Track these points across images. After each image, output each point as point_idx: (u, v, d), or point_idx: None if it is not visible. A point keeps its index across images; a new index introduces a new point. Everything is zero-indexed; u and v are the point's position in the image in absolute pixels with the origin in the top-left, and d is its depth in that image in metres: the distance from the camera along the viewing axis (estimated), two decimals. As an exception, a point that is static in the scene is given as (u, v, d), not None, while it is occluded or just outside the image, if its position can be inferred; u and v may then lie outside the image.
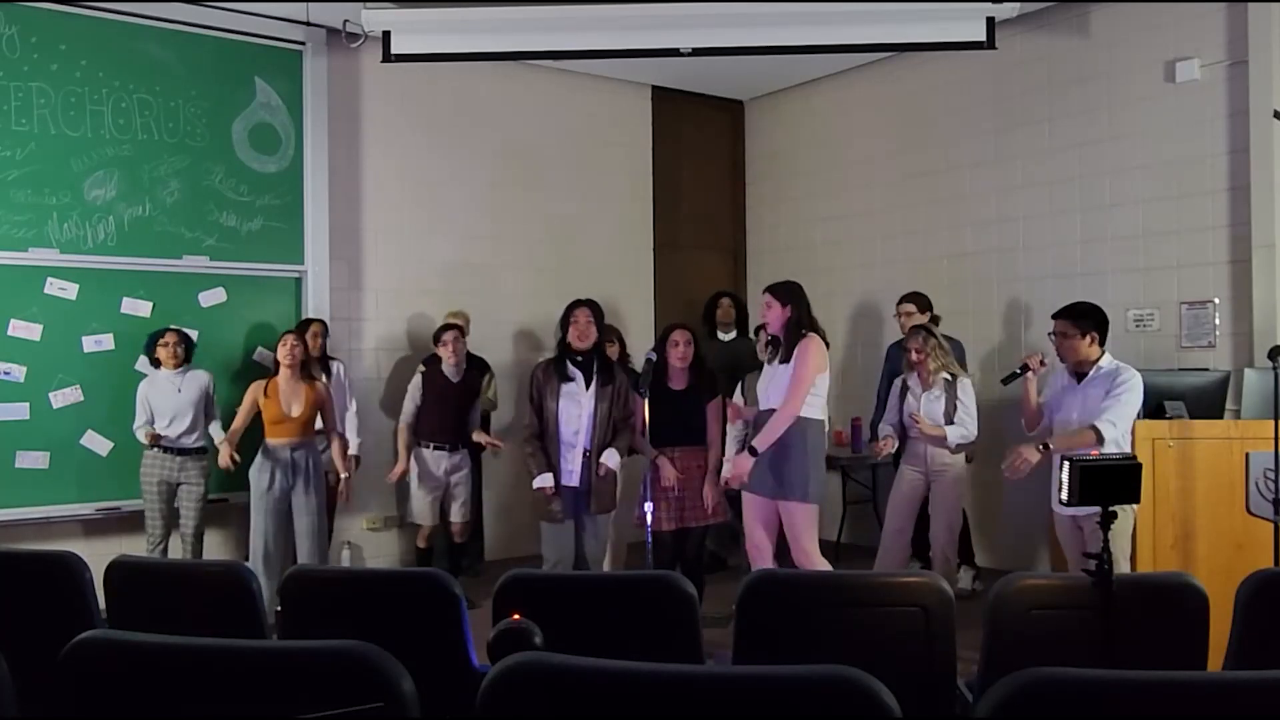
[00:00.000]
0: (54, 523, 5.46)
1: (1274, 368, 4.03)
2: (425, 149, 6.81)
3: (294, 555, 5.27)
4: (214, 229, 5.92)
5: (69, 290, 5.50)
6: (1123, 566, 3.89)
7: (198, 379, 5.37)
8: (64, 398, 5.47)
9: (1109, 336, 4.17)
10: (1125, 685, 1.60)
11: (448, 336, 5.65)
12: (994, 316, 6.47)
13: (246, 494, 5.27)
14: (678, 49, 5.65)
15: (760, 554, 4.50)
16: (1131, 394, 3.95)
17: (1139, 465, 2.59)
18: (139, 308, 5.68)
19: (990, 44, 5.54)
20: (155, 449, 5.24)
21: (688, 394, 4.92)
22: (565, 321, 4.80)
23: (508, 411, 6.79)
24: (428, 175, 6.82)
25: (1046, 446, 4.00)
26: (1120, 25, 5.89)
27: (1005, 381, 4.45)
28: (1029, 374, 4.32)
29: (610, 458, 4.73)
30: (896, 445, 5.04)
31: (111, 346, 5.59)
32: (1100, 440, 3.86)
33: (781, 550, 4.58)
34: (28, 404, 5.38)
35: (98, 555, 3.08)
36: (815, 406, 4.39)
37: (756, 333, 5.39)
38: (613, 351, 5.43)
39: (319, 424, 5.34)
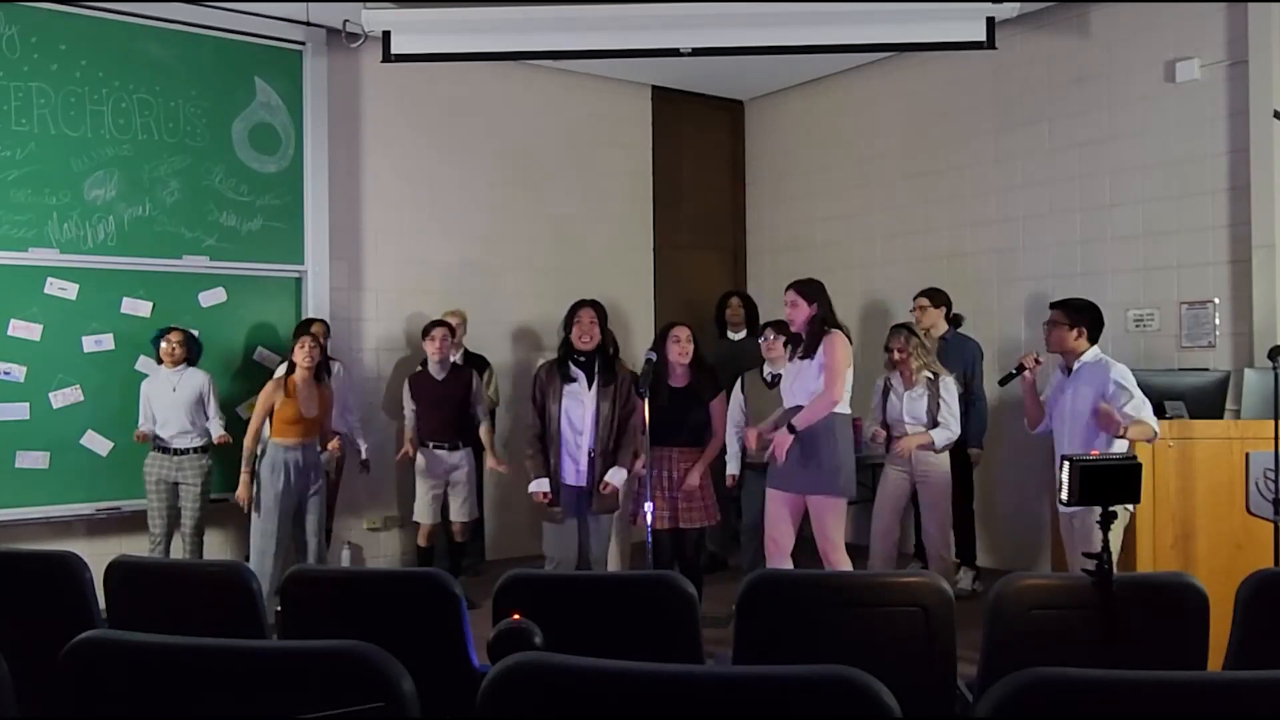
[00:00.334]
0: (54, 523, 5.46)
1: (1274, 368, 4.03)
2: (425, 149, 6.81)
3: (303, 553, 5.27)
4: (214, 229, 5.92)
5: (69, 290, 5.50)
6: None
7: (194, 379, 5.37)
8: (64, 398, 5.47)
9: (1105, 336, 4.18)
10: (1125, 685, 1.60)
11: (435, 332, 5.64)
12: (994, 316, 6.47)
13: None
14: (678, 49, 5.65)
15: (779, 550, 4.49)
16: (1137, 389, 3.98)
17: (1139, 465, 2.59)
18: (139, 308, 5.68)
19: (990, 44, 5.54)
20: (156, 449, 5.26)
21: (688, 391, 4.91)
22: (569, 321, 4.80)
23: (504, 410, 6.79)
24: (428, 175, 6.82)
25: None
26: (1120, 25, 5.89)
27: (1002, 383, 4.47)
28: (1025, 373, 4.33)
29: (615, 475, 4.74)
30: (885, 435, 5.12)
31: (111, 346, 5.59)
32: (1153, 430, 3.95)
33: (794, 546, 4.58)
34: (28, 404, 5.38)
35: (98, 555, 3.08)
36: (842, 402, 4.42)
37: (762, 330, 5.38)
38: None
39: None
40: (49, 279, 5.45)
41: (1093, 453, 3.60)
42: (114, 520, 5.59)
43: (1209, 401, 4.66)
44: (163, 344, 5.30)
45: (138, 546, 5.23)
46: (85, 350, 5.53)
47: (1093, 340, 4.14)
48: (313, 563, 5.22)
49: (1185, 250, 5.61)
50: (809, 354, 4.41)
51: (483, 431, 5.69)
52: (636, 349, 6.74)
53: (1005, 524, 6.31)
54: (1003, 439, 6.15)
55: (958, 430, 5.12)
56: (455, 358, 5.89)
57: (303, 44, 6.18)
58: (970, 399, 5.71)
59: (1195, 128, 5.55)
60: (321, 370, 5.37)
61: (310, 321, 5.81)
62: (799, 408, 4.39)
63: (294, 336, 5.45)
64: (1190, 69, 5.53)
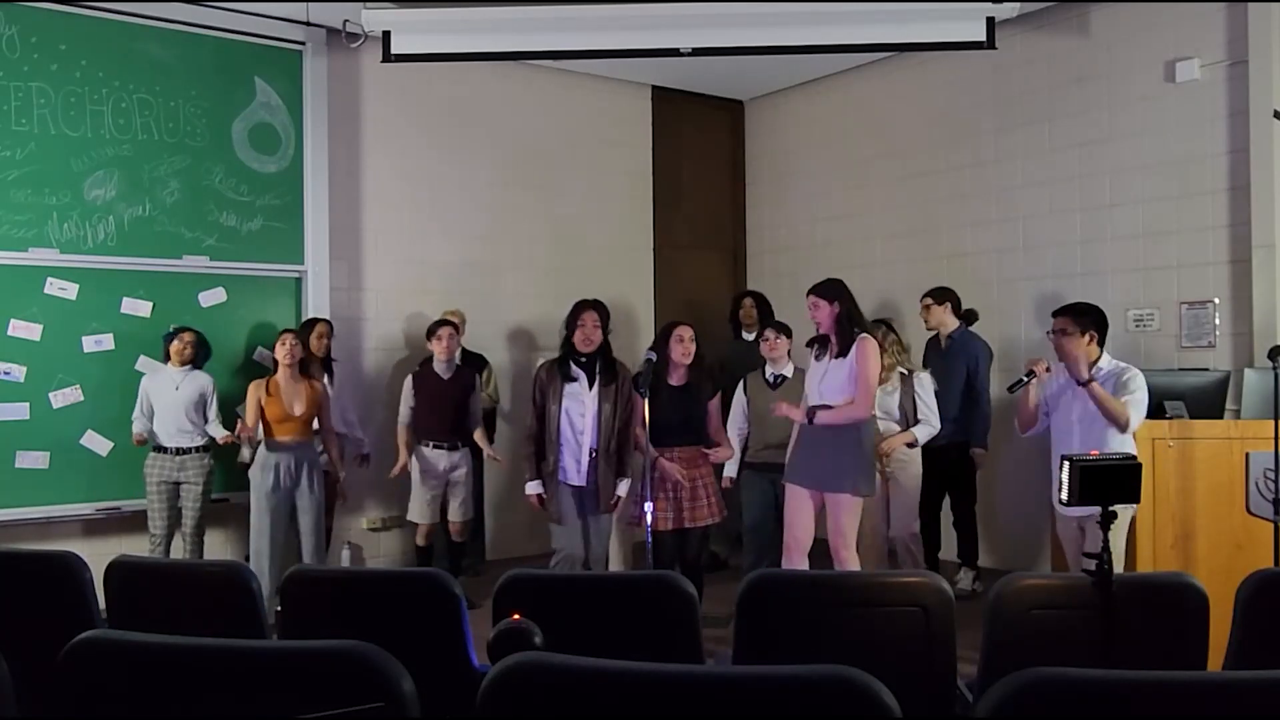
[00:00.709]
0: (54, 523, 5.46)
1: (1274, 368, 4.03)
2: (425, 149, 6.81)
3: (297, 554, 5.27)
4: (214, 229, 5.92)
5: (69, 290, 5.50)
6: (1117, 566, 3.89)
7: (198, 380, 5.38)
8: (64, 398, 5.47)
9: (1109, 337, 4.17)
10: (1125, 685, 1.60)
11: (442, 332, 5.65)
12: (994, 316, 6.46)
13: (247, 494, 5.28)
14: (678, 49, 5.65)
15: (798, 546, 4.50)
16: (1143, 393, 3.97)
17: (1139, 465, 2.59)
18: (139, 308, 5.68)
19: (990, 44, 5.54)
20: (156, 450, 5.26)
21: (688, 390, 4.91)
22: (571, 322, 4.80)
23: (513, 410, 6.79)
24: (428, 175, 6.82)
25: None
26: (1120, 25, 5.89)
27: (1011, 390, 4.36)
28: (1033, 380, 4.26)
29: (623, 487, 4.81)
30: None
31: (111, 346, 5.59)
32: (1125, 426, 3.94)
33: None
34: (28, 404, 5.38)
35: (98, 555, 3.08)
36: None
37: (762, 331, 5.37)
38: None
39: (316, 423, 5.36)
40: (49, 279, 5.45)
41: (1092, 453, 3.60)
42: (114, 520, 5.59)
43: (1209, 401, 4.66)
44: (175, 342, 5.31)
45: (138, 546, 5.23)
46: (85, 350, 5.53)
47: (1102, 343, 4.12)
48: (310, 562, 5.23)
49: (1185, 250, 5.61)
50: (843, 353, 4.41)
51: (478, 435, 5.68)
52: (637, 349, 6.74)
53: (1005, 524, 6.31)
54: (1003, 440, 6.15)
55: (938, 424, 5.23)
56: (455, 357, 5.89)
57: (303, 44, 6.18)
58: (974, 397, 5.72)
59: (1195, 128, 5.55)
60: (311, 367, 5.38)
61: (314, 321, 5.81)
62: (827, 406, 4.41)
63: (297, 335, 5.43)
64: (1190, 69, 5.53)
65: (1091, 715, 1.57)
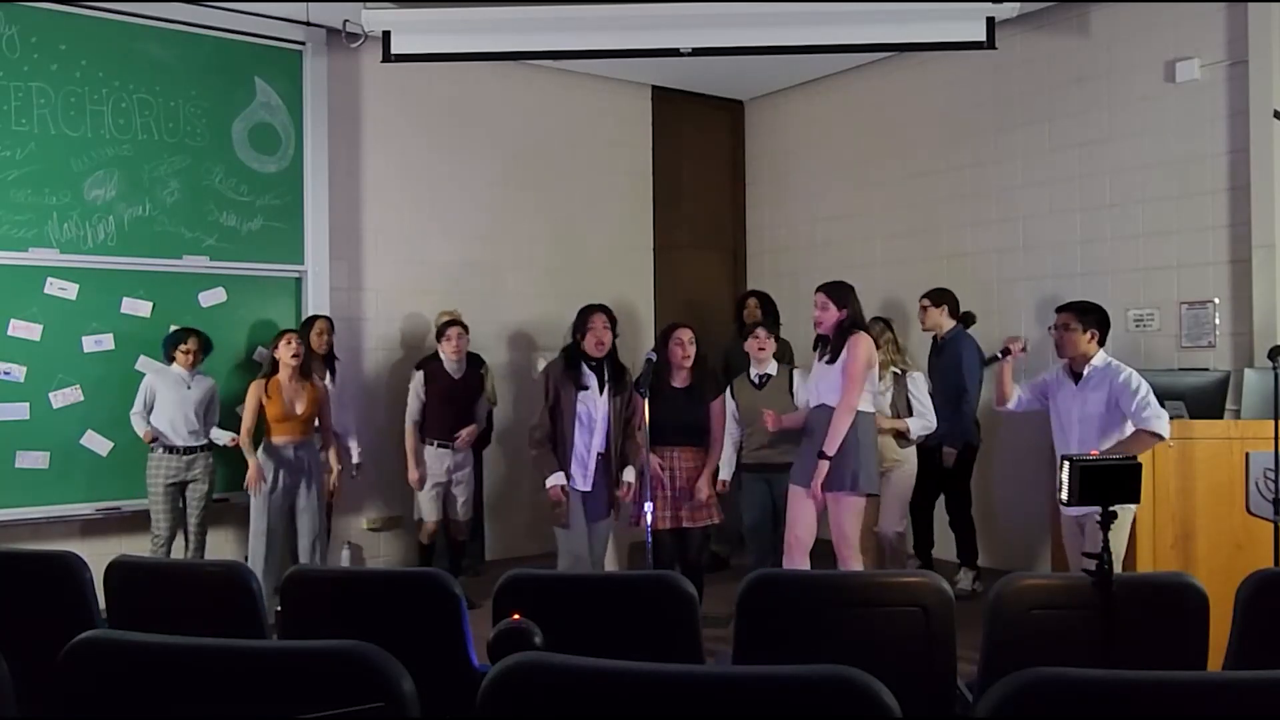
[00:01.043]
0: (54, 523, 5.46)
1: (1274, 368, 4.03)
2: (425, 149, 6.81)
3: (294, 555, 5.27)
4: (214, 229, 5.92)
5: (69, 290, 5.50)
6: (1116, 566, 3.89)
7: (205, 382, 5.41)
8: (64, 398, 5.47)
9: (1109, 337, 4.17)
10: (1125, 685, 1.60)
11: (451, 332, 5.63)
12: (994, 316, 6.46)
13: (247, 494, 5.27)
14: (678, 49, 5.65)
15: (800, 547, 4.50)
16: (1148, 391, 3.95)
17: (1139, 465, 2.59)
18: (139, 308, 5.68)
19: (990, 44, 5.54)
20: (161, 450, 5.25)
21: (689, 392, 4.92)
22: (580, 327, 4.77)
23: (506, 410, 6.79)
24: (428, 175, 6.82)
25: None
26: (1120, 25, 5.89)
27: (986, 363, 4.48)
28: (1009, 358, 4.36)
29: (629, 474, 4.81)
30: None
31: (111, 346, 5.59)
32: (1161, 437, 3.90)
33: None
34: (28, 404, 5.38)
35: (98, 555, 3.07)
36: (865, 400, 4.44)
37: (752, 329, 5.32)
38: None
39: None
40: (49, 279, 5.45)
41: (1092, 453, 3.61)
42: (114, 520, 5.59)
43: (1209, 401, 4.66)
44: (180, 351, 5.30)
45: (138, 546, 5.23)
46: (85, 350, 5.53)
47: (1103, 342, 4.13)
48: (309, 562, 5.22)
49: (1185, 250, 5.61)
50: (835, 358, 4.43)
51: (466, 432, 5.63)
52: (637, 350, 6.74)
53: (1005, 524, 6.31)
54: (1002, 440, 6.16)
55: (933, 421, 5.27)
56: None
57: (303, 44, 6.18)
58: (954, 397, 5.71)
59: (1195, 128, 5.55)
60: (312, 366, 5.37)
61: (314, 319, 5.81)
62: (823, 407, 4.42)
63: (281, 332, 5.40)
64: (1190, 69, 5.53)
65: (1091, 715, 1.57)
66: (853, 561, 4.41)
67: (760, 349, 5.18)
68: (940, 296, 5.91)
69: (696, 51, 5.67)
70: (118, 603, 2.86)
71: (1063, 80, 6.15)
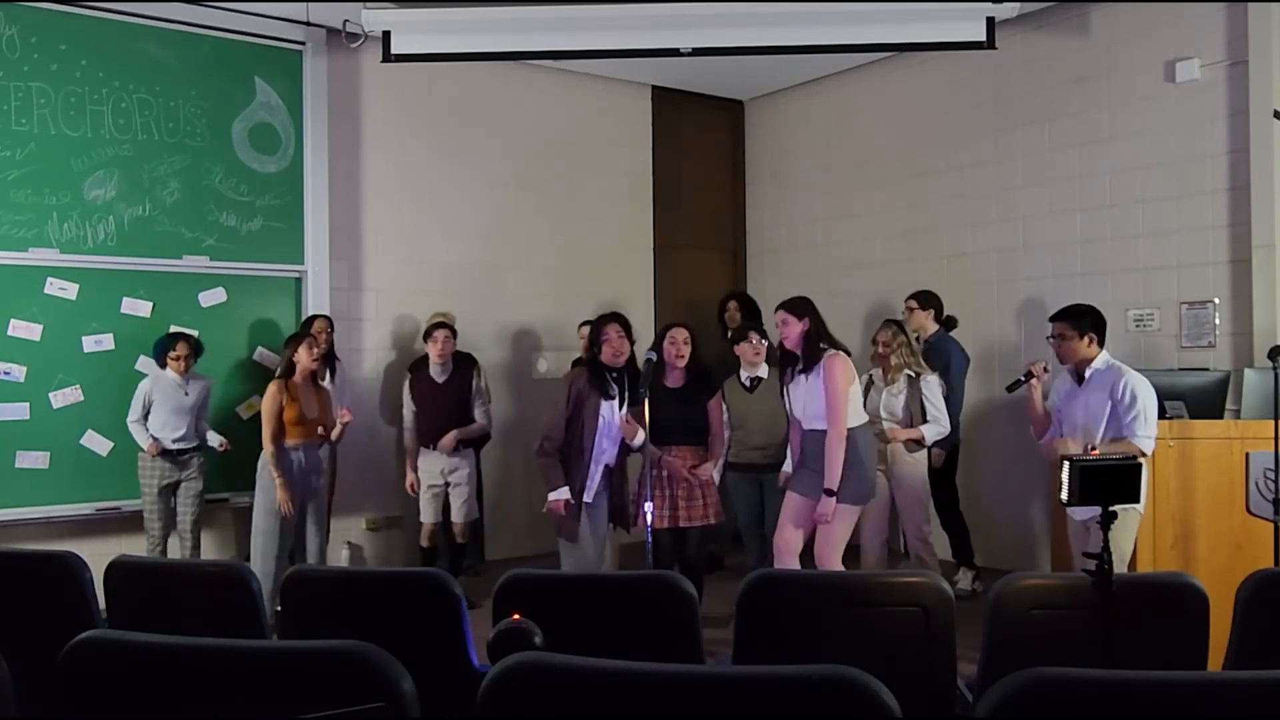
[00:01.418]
0: (54, 523, 5.45)
1: (1274, 368, 4.03)
2: (425, 149, 6.81)
3: (304, 553, 5.26)
4: (214, 229, 5.92)
5: (69, 290, 5.50)
6: (1119, 567, 3.89)
7: (201, 384, 5.42)
8: (64, 398, 5.47)
9: (1108, 336, 4.17)
10: (1125, 685, 1.60)
11: (438, 334, 5.63)
12: (993, 316, 6.46)
13: (246, 494, 5.28)
14: (678, 49, 5.65)
15: (788, 550, 4.50)
16: (1148, 402, 3.94)
17: (1139, 465, 2.59)
18: (139, 308, 5.68)
19: (990, 44, 5.54)
20: (160, 453, 5.26)
21: (685, 392, 4.90)
22: (595, 338, 4.64)
23: (506, 410, 6.79)
24: (428, 175, 6.81)
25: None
26: (1120, 25, 5.89)
27: (1010, 389, 4.40)
28: (1033, 381, 4.26)
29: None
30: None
31: (111, 346, 5.59)
32: (1143, 454, 3.88)
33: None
34: (28, 404, 5.38)
35: (98, 555, 3.08)
36: (852, 413, 4.43)
37: (745, 333, 5.31)
38: None
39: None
40: (49, 279, 5.45)
41: (1092, 452, 3.60)
42: (113, 520, 5.58)
43: (1209, 401, 4.66)
44: (171, 358, 5.29)
45: (137, 546, 5.23)
46: (85, 350, 5.53)
47: (1102, 343, 4.12)
48: (314, 562, 5.22)
49: (1185, 250, 5.61)
50: (809, 370, 4.44)
51: (453, 433, 5.59)
52: (637, 350, 6.72)
53: (1004, 524, 6.31)
54: (1001, 441, 6.16)
55: (947, 425, 5.25)
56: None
57: (303, 44, 6.18)
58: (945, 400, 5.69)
59: (1195, 128, 5.55)
60: (322, 367, 5.38)
61: (314, 318, 5.81)
62: (816, 431, 4.43)
63: (299, 335, 5.38)
64: (1190, 69, 5.53)
65: (1091, 715, 1.57)
66: (833, 567, 4.41)
67: (755, 354, 5.19)
68: (927, 299, 5.91)
69: (696, 51, 5.67)
70: (118, 603, 2.86)
71: (1063, 80, 6.15)
